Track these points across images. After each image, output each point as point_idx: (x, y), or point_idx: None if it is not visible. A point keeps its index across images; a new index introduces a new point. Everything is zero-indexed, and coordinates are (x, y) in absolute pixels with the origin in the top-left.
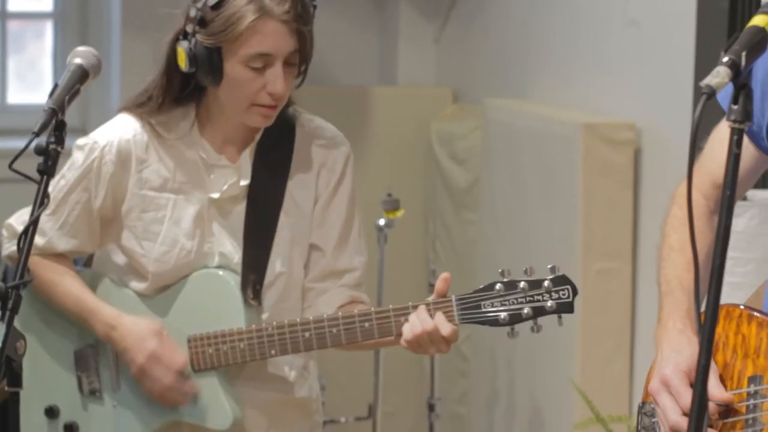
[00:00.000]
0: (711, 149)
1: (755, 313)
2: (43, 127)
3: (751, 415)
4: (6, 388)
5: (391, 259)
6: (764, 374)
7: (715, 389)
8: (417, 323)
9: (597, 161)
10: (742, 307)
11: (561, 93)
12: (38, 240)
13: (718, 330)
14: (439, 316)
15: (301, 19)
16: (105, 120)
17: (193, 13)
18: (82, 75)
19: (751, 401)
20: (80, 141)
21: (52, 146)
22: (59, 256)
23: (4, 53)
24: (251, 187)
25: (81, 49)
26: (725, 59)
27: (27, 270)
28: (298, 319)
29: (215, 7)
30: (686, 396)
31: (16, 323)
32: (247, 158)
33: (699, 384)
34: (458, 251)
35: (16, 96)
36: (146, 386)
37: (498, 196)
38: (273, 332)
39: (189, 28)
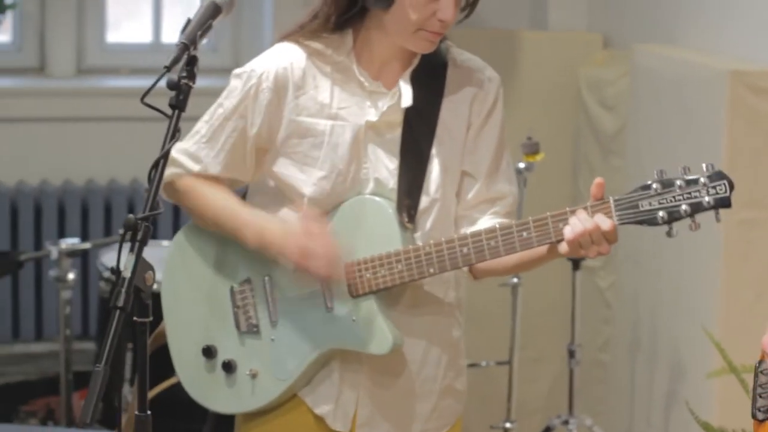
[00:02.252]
0: None
1: None
2: (175, 62)
3: None
4: (135, 318)
5: (534, 203)
6: None
7: None
8: (578, 223)
9: (743, 109)
10: None
11: (712, 39)
12: (193, 166)
13: None
14: (599, 215)
15: None
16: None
17: None
18: (215, 11)
19: None
20: (237, 70)
21: (183, 81)
22: (216, 179)
23: None
24: (407, 113)
25: None
26: None
27: (157, 203)
28: (455, 235)
29: None
30: None
31: (175, 263)
32: (407, 81)
33: None
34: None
35: (169, 36)
36: (314, 273)
37: (644, 142)
38: (431, 250)
39: None
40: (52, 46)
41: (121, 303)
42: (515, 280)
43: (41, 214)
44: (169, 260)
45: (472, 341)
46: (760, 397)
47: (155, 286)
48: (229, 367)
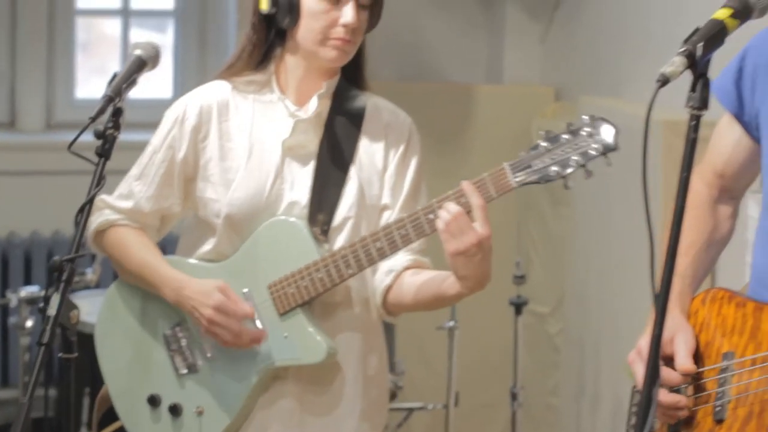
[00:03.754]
0: (712, 140)
1: (735, 296)
2: (100, 113)
3: (721, 388)
4: (61, 355)
5: None
6: (736, 350)
7: (683, 360)
8: (445, 214)
9: (676, 156)
10: (724, 289)
11: (651, 91)
12: (125, 203)
13: (704, 312)
14: (474, 196)
15: None
16: None
17: None
18: (140, 65)
19: (722, 375)
20: (168, 110)
21: (109, 131)
22: (142, 229)
23: (126, 49)
24: (326, 134)
25: (142, 41)
26: (682, 49)
27: (82, 245)
28: (367, 234)
29: None
30: None
31: (106, 320)
32: (315, 100)
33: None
34: (553, 244)
35: (135, 91)
36: (218, 339)
37: (589, 190)
38: (346, 252)
39: None
40: (22, 101)
41: (45, 340)
42: (451, 323)
43: (8, 264)
44: (100, 318)
45: (421, 384)
46: (635, 415)
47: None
48: (175, 410)
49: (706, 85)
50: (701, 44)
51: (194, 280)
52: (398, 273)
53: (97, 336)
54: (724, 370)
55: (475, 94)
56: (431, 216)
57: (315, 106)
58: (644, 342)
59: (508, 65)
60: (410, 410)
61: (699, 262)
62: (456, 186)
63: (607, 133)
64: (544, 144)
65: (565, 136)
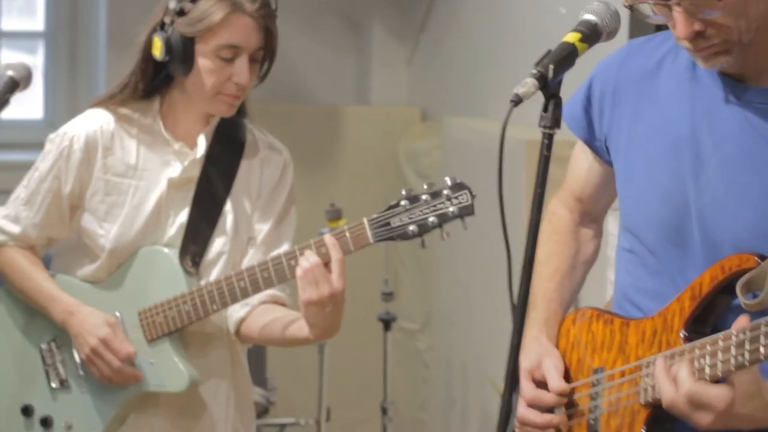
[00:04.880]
0: (570, 166)
1: (603, 313)
2: None
3: (593, 402)
4: None
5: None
6: (606, 365)
7: (555, 381)
8: (305, 262)
9: None
10: (593, 308)
11: (517, 112)
12: (14, 228)
13: (574, 331)
14: (333, 248)
15: (269, 17)
16: None
17: (172, 5)
18: (13, 85)
19: (594, 389)
20: (51, 135)
21: None
22: (31, 248)
23: None
24: (205, 168)
25: (13, 62)
26: (534, 71)
27: None
28: (232, 272)
29: (194, 0)
30: (528, 389)
31: None
32: (203, 140)
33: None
34: (421, 263)
35: (6, 112)
36: (94, 369)
37: None
38: (212, 288)
39: (167, 19)
40: None
41: None
42: None
43: None
44: None
45: (293, 399)
46: None
47: None
48: (46, 422)
49: (558, 105)
50: (552, 66)
51: (85, 308)
52: (253, 306)
53: None
54: (595, 384)
55: (343, 115)
56: (293, 262)
57: (203, 147)
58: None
59: (375, 86)
60: (282, 426)
61: (564, 287)
62: (318, 225)
63: (466, 197)
64: (404, 203)
65: (425, 197)
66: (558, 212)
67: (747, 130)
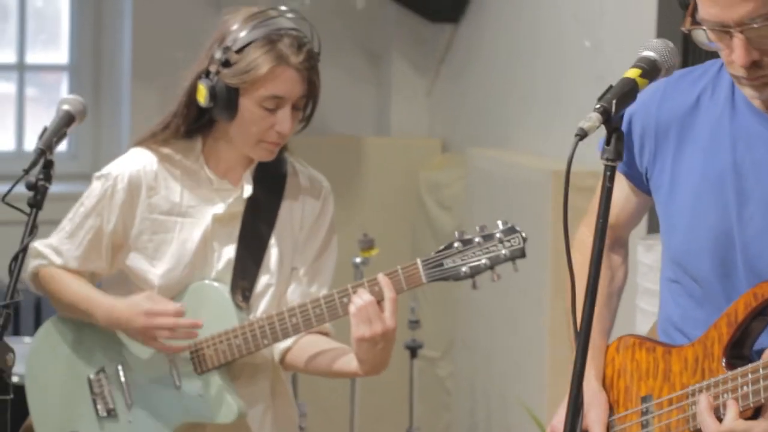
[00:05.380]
0: (598, 191)
1: (645, 341)
2: (33, 165)
3: (644, 430)
4: None
5: None
6: (653, 392)
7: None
8: (358, 300)
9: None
10: (635, 336)
11: (539, 142)
12: (56, 259)
13: (619, 359)
14: (386, 288)
15: (313, 69)
16: None
17: (218, 55)
18: (69, 119)
19: (644, 417)
20: (97, 173)
21: (41, 182)
22: (76, 272)
23: (22, 103)
24: (249, 205)
25: (69, 96)
26: (598, 106)
27: (17, 291)
28: (285, 308)
29: (239, 51)
30: None
31: (38, 356)
32: (249, 177)
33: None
34: (443, 289)
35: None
36: (158, 344)
37: None
38: (263, 323)
39: (212, 68)
40: None
41: None
42: None
43: None
44: (32, 353)
45: (325, 424)
46: None
47: (16, 379)
48: None
49: (620, 138)
50: (615, 101)
51: (122, 301)
52: (299, 336)
53: (28, 368)
54: (644, 412)
55: (363, 146)
56: (345, 300)
57: (250, 188)
58: (556, 421)
59: (395, 118)
60: None
61: (604, 317)
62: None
63: (518, 240)
64: (457, 245)
65: (477, 240)
66: (587, 241)
67: None
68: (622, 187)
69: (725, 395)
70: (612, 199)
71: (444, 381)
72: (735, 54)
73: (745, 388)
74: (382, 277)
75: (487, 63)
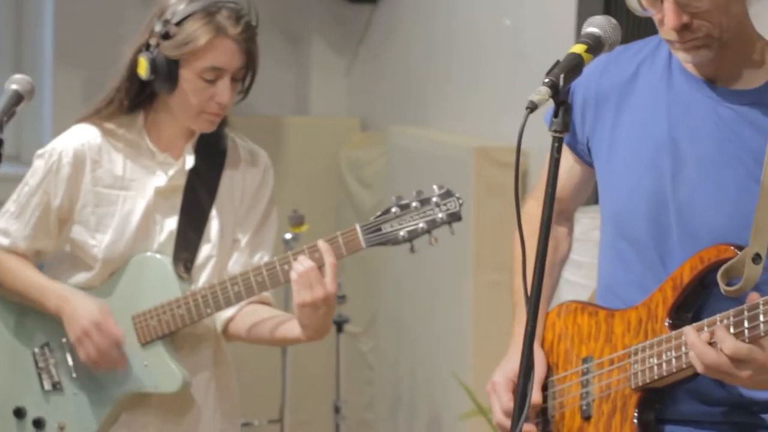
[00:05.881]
0: (546, 164)
1: (587, 306)
2: None
3: (585, 389)
4: None
5: None
6: (594, 354)
7: (533, 394)
8: (300, 266)
9: (487, 182)
10: (576, 301)
11: (458, 120)
12: (3, 241)
13: (560, 323)
14: (327, 254)
15: (251, 40)
16: (38, 147)
17: (158, 28)
18: (18, 98)
19: (585, 377)
20: (39, 150)
21: None
22: (22, 256)
23: None
24: (190, 178)
25: (17, 76)
26: (546, 80)
27: None
28: (226, 277)
29: (178, 23)
30: (507, 399)
31: None
32: (191, 150)
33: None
34: (364, 266)
35: None
36: (83, 350)
37: None
38: (206, 293)
39: (152, 41)
40: None
41: None
42: None
43: None
44: None
45: (244, 401)
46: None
47: None
48: (39, 424)
49: (567, 111)
50: (563, 75)
51: (79, 293)
52: (240, 306)
53: None
54: (585, 372)
55: (284, 126)
56: (286, 267)
57: (192, 160)
58: (497, 377)
59: (314, 97)
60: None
61: (545, 285)
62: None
63: (454, 204)
64: (394, 209)
65: (415, 204)
66: (534, 212)
67: (721, 129)
68: (566, 158)
69: (668, 353)
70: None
71: (366, 356)
72: (666, 17)
73: (734, 328)
74: (322, 243)
75: (406, 42)
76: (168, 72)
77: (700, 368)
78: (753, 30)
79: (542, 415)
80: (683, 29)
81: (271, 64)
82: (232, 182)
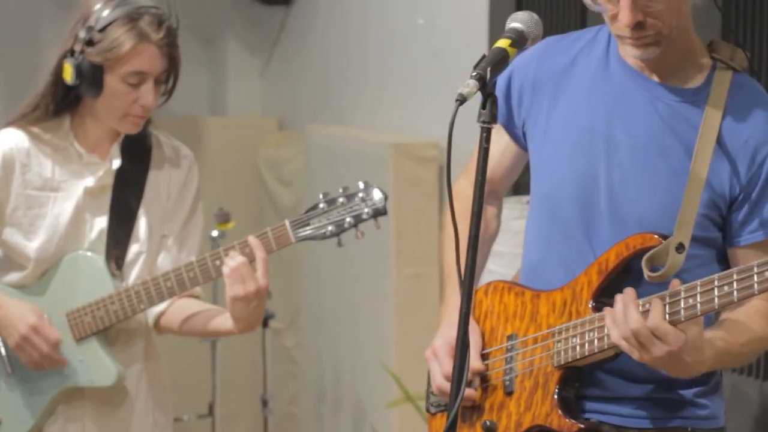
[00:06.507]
0: (478, 150)
1: (514, 286)
2: None
3: (508, 365)
4: None
5: None
6: (519, 332)
7: (474, 361)
8: (232, 261)
9: (405, 177)
10: (503, 281)
11: (375, 117)
12: None
13: (487, 302)
14: (258, 249)
15: (173, 45)
16: None
17: (82, 34)
18: None
19: (509, 354)
20: None
21: None
22: None
23: None
24: (118, 178)
25: None
26: (474, 73)
27: None
28: (159, 273)
29: (102, 30)
30: (447, 364)
31: None
32: (117, 150)
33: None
34: (285, 264)
35: None
36: (24, 355)
37: None
38: (139, 288)
39: (77, 47)
40: None
41: None
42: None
43: None
44: None
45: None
46: (432, 394)
47: None
48: None
49: (494, 103)
50: (489, 68)
51: (11, 300)
52: (172, 300)
53: None
54: (509, 349)
55: (201, 127)
56: (218, 262)
57: (118, 160)
58: (438, 343)
59: (231, 98)
60: None
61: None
62: None
63: (378, 198)
64: (322, 205)
65: (341, 200)
66: (466, 192)
67: (656, 121)
68: (500, 139)
69: (590, 334)
70: (490, 154)
71: (290, 351)
72: (621, 14)
73: (669, 307)
74: (252, 239)
75: (321, 43)
76: (93, 77)
77: (615, 335)
78: (692, 32)
79: (484, 381)
80: (637, 27)
81: (186, 65)
82: (158, 180)
